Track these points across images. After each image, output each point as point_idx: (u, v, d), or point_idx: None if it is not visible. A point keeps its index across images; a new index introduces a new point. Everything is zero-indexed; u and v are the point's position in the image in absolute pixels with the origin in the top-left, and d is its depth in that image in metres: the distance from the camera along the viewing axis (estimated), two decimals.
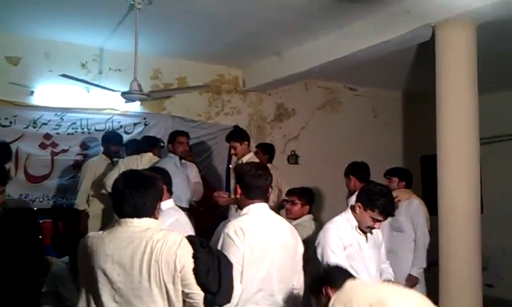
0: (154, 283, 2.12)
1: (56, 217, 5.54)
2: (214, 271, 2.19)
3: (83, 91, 5.78)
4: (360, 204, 3.20)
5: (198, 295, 2.17)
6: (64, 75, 4.77)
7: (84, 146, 5.84)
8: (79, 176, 5.40)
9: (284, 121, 7.43)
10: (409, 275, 4.67)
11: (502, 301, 6.80)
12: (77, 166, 5.69)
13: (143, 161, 4.97)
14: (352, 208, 3.26)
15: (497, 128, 7.29)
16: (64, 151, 5.75)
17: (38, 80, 5.66)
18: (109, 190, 4.78)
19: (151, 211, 2.27)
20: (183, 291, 2.17)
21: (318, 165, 7.18)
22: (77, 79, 4.87)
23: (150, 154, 5.10)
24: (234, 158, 5.53)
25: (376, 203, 3.11)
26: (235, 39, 5.67)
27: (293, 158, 7.41)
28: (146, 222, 2.23)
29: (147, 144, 5.28)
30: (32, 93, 5.63)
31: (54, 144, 5.70)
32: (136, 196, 2.22)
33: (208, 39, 5.68)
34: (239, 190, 2.73)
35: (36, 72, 5.65)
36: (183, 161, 5.19)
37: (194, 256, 2.17)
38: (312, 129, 7.55)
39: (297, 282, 2.82)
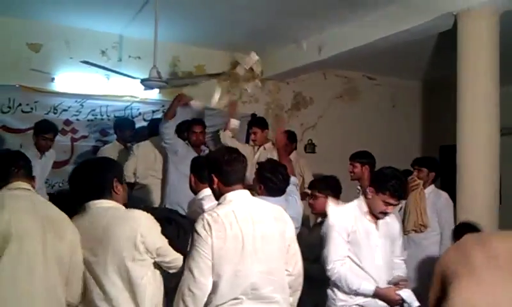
0: (112, 263, 2.31)
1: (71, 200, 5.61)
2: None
3: (103, 78, 5.84)
4: (372, 188, 3.14)
5: (177, 259, 2.45)
6: (84, 62, 4.83)
7: (103, 132, 5.91)
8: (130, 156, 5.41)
9: (302, 110, 7.41)
10: None
11: None
12: (96, 152, 5.76)
13: (156, 147, 5.15)
14: (366, 194, 3.19)
15: None
16: (84, 137, 5.84)
17: (58, 67, 5.73)
18: (129, 180, 4.89)
19: (108, 192, 2.44)
20: (161, 262, 2.42)
21: (335, 155, 7.14)
22: (97, 66, 4.92)
23: (158, 137, 5.11)
24: (254, 145, 5.51)
25: (387, 185, 3.04)
26: (254, 28, 5.66)
27: (310, 147, 7.40)
28: (108, 203, 2.42)
29: (156, 128, 5.20)
30: (53, 79, 5.70)
31: (74, 130, 5.78)
32: (91, 180, 2.44)
33: (226, 27, 5.68)
34: (215, 179, 2.52)
35: (56, 59, 5.72)
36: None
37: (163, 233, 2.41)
38: (329, 118, 7.52)
39: (292, 268, 2.56)
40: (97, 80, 5.81)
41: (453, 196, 4.47)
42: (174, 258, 2.46)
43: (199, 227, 2.35)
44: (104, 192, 2.43)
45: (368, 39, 5.25)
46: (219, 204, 2.51)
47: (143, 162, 5.18)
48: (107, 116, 5.93)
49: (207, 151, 5.24)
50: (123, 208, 2.46)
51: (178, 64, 6.41)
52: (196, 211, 3.12)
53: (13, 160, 2.50)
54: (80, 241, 2.36)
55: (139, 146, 5.25)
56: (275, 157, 5.01)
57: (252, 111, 6.81)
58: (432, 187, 4.75)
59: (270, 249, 2.46)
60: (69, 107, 5.74)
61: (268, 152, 5.30)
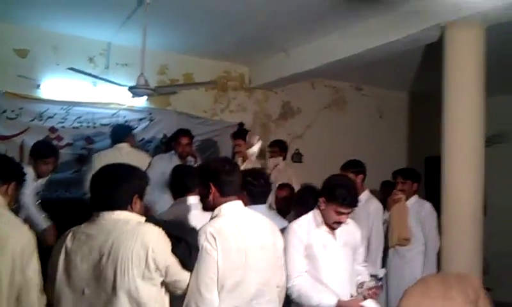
0: (120, 281, 2.09)
1: (59, 210, 5.54)
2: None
3: (89, 85, 5.80)
4: (323, 198, 3.04)
5: (186, 281, 2.28)
6: (71, 69, 4.79)
7: (89, 140, 5.85)
8: (83, 169, 5.38)
9: (289, 120, 7.43)
10: None
11: (502, 304, 6.78)
12: (81, 160, 5.71)
13: (124, 155, 4.66)
14: (318, 205, 3.09)
15: (502, 130, 7.27)
16: (69, 144, 5.77)
17: (45, 74, 5.68)
18: (86, 190, 4.60)
19: (124, 204, 2.24)
20: (169, 282, 2.23)
21: (322, 165, 7.11)
22: (84, 73, 4.88)
23: (126, 145, 4.90)
24: (237, 157, 5.52)
25: (336, 194, 2.95)
26: (243, 37, 5.67)
27: (297, 157, 7.41)
28: (119, 214, 2.21)
29: (121, 134, 5.00)
30: (38, 86, 5.65)
31: (59, 138, 5.72)
32: (107, 188, 2.24)
33: (215, 36, 5.68)
34: (212, 189, 2.48)
35: (43, 65, 5.67)
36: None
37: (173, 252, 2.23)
38: (316, 128, 7.55)
39: (279, 279, 2.64)
40: (84, 87, 5.77)
41: (438, 207, 4.49)
42: (183, 279, 2.29)
43: (203, 240, 2.34)
44: (121, 204, 2.24)
45: (355, 50, 5.28)
46: (215, 215, 2.49)
47: None
48: (93, 123, 5.88)
49: (192, 162, 5.20)
50: (135, 220, 2.25)
51: (166, 72, 6.39)
52: (180, 217, 3.10)
53: None
54: (78, 253, 2.17)
55: (100, 155, 4.91)
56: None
57: (240, 120, 6.80)
58: (415, 197, 4.75)
59: (266, 260, 2.52)
60: (55, 114, 5.69)
61: (254, 164, 5.30)
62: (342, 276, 3.05)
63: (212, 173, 2.52)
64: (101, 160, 4.66)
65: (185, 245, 2.29)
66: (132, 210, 2.25)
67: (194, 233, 2.44)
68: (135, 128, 5.90)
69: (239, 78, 7.02)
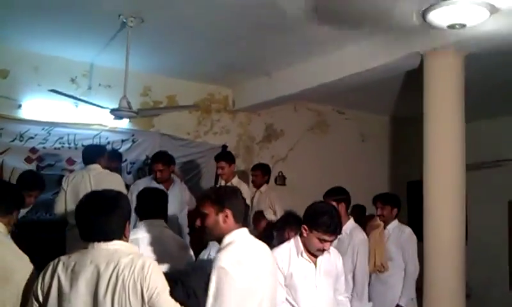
0: None
1: (40, 231, 5.44)
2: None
3: (71, 106, 5.75)
4: (305, 226, 3.00)
5: None
6: (53, 91, 4.76)
7: (70, 161, 5.78)
8: (59, 193, 5.16)
9: (272, 142, 7.44)
10: (398, 305, 4.52)
11: None
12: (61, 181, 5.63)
13: (92, 178, 4.53)
14: (301, 233, 3.04)
15: (482, 155, 7.37)
16: (50, 165, 5.69)
17: (26, 94, 5.62)
18: (57, 217, 4.62)
19: (119, 233, 2.17)
20: None
21: (305, 188, 7.16)
22: (65, 95, 4.86)
23: (97, 166, 4.70)
24: (221, 180, 5.51)
25: (319, 221, 2.92)
26: (226, 60, 5.70)
27: (280, 180, 7.40)
28: (114, 244, 2.14)
29: (92, 154, 4.81)
30: (19, 106, 5.58)
31: (40, 159, 5.64)
32: (101, 220, 2.14)
33: (199, 58, 5.70)
34: (229, 215, 2.41)
35: (24, 86, 5.61)
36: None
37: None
38: (300, 151, 7.57)
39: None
40: (65, 108, 5.72)
41: (420, 232, 4.51)
42: None
43: (228, 265, 2.26)
44: (115, 234, 2.16)
45: (337, 75, 5.35)
46: (229, 243, 2.39)
47: (72, 197, 4.51)
48: (75, 144, 5.81)
49: (179, 183, 5.16)
50: (131, 251, 2.17)
51: (149, 94, 6.38)
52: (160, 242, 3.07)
53: None
54: (73, 287, 2.08)
55: (68, 176, 4.78)
56: (244, 191, 4.98)
57: (223, 142, 6.80)
58: (395, 221, 4.75)
59: (274, 286, 2.53)
60: (36, 135, 5.61)
61: (236, 186, 5.27)
62: (323, 306, 3.02)
63: (230, 198, 2.46)
64: (69, 181, 4.65)
65: (182, 287, 2.22)
66: (125, 238, 2.19)
67: (189, 272, 2.38)
68: (114, 149, 5.83)
69: (223, 101, 7.03)
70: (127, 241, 2.23)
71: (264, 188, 5.76)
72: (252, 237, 2.53)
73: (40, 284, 2.17)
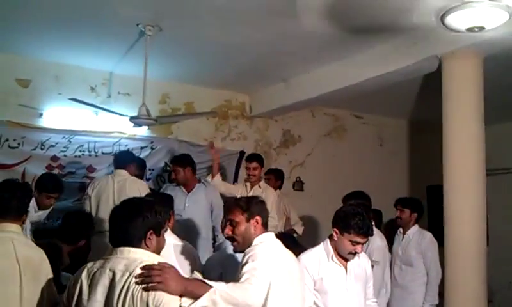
0: None
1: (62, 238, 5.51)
2: None
3: (91, 114, 5.83)
4: (336, 229, 3.02)
5: None
6: (73, 99, 4.84)
7: (90, 168, 5.86)
8: (84, 198, 5.34)
9: (290, 148, 7.44)
10: None
11: None
12: (82, 189, 5.69)
13: (116, 184, 4.58)
14: (331, 237, 3.08)
15: (505, 160, 7.28)
16: (70, 173, 5.77)
17: (47, 103, 5.72)
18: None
19: (139, 240, 2.16)
20: None
21: (323, 193, 7.16)
22: (85, 103, 4.93)
23: (125, 172, 4.72)
24: (247, 183, 5.44)
25: (351, 223, 2.94)
26: (243, 66, 5.73)
27: (298, 185, 7.40)
28: (135, 252, 2.14)
29: (122, 160, 4.86)
30: (41, 115, 5.68)
31: (61, 166, 5.72)
32: (123, 226, 2.18)
33: (216, 65, 5.74)
34: (259, 221, 2.53)
35: (45, 95, 5.71)
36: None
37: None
38: (317, 156, 7.56)
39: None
40: (85, 116, 5.80)
41: (441, 237, 4.47)
42: None
43: (259, 254, 2.38)
44: (133, 240, 2.16)
45: (354, 79, 5.33)
46: (257, 244, 2.48)
47: (95, 203, 4.63)
48: (95, 152, 5.89)
49: (207, 187, 5.13)
50: (146, 261, 2.12)
51: (167, 102, 6.44)
52: None
53: (5, 198, 2.54)
54: (92, 291, 2.11)
55: (94, 181, 4.88)
56: (269, 195, 4.98)
57: (241, 148, 6.83)
58: (416, 227, 4.72)
59: (299, 290, 2.60)
60: (56, 143, 5.70)
61: (263, 190, 5.25)
62: None
63: (261, 204, 2.62)
64: (94, 187, 4.72)
65: None
66: (147, 247, 2.17)
67: None
68: (140, 157, 5.88)
69: (240, 107, 7.06)
70: (152, 251, 2.19)
71: (276, 193, 5.68)
72: (279, 242, 2.60)
73: (67, 290, 2.22)
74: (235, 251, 2.59)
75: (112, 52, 5.35)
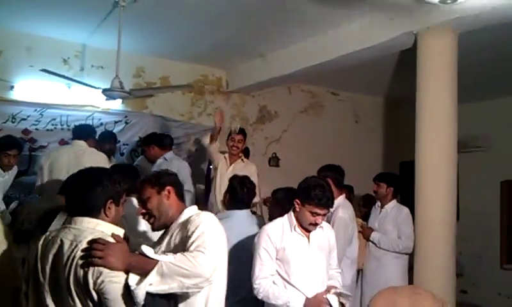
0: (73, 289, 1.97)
1: None
2: None
3: (64, 87, 5.72)
4: (297, 200, 3.04)
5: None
6: (45, 70, 4.73)
7: (62, 142, 5.75)
8: (38, 169, 5.00)
9: (266, 124, 7.44)
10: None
11: None
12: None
13: (73, 154, 4.42)
14: (294, 208, 3.09)
15: (476, 137, 7.41)
16: (42, 147, 5.65)
17: (18, 75, 5.59)
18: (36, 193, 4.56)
19: (97, 210, 2.12)
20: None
21: (299, 169, 7.08)
22: (58, 75, 4.83)
23: (83, 143, 4.59)
24: (226, 155, 5.34)
25: (311, 195, 2.95)
26: (220, 41, 5.67)
27: (274, 161, 7.43)
28: (90, 222, 2.10)
29: (81, 132, 4.73)
30: (12, 87, 5.56)
31: (33, 140, 5.61)
32: (79, 195, 2.13)
33: (192, 39, 5.67)
34: (172, 191, 2.47)
35: (16, 67, 5.58)
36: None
37: None
38: (293, 132, 7.58)
39: None
40: (58, 89, 5.69)
41: (412, 212, 4.55)
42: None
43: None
44: (92, 210, 2.12)
45: (331, 55, 5.33)
46: (198, 214, 2.44)
47: (47, 173, 4.45)
48: (68, 125, 5.76)
49: (169, 161, 5.13)
50: (100, 232, 2.09)
51: (142, 76, 6.35)
52: None
53: None
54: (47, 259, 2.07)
55: (48, 154, 4.69)
56: (252, 172, 4.94)
57: None
58: (394, 202, 4.80)
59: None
60: (28, 116, 5.58)
61: (245, 165, 5.20)
62: (314, 280, 3.06)
63: (170, 177, 2.59)
64: (47, 157, 4.55)
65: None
66: (106, 217, 2.14)
67: None
68: (110, 131, 5.84)
69: (216, 82, 7.01)
70: (110, 222, 2.15)
71: (245, 159, 5.45)
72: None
73: (29, 257, 2.20)
74: (153, 229, 2.50)
75: (85, 23, 5.24)
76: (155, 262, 2.02)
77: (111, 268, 1.95)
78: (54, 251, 2.07)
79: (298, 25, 5.14)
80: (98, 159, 4.37)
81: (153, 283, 1.99)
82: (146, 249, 2.08)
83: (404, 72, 5.84)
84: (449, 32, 4.37)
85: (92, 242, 1.99)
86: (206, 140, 5.37)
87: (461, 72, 4.45)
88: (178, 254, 2.12)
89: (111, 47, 5.01)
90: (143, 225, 2.99)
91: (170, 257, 2.08)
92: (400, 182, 4.99)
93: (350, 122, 8.11)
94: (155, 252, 2.15)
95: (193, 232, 2.24)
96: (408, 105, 5.00)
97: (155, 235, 2.64)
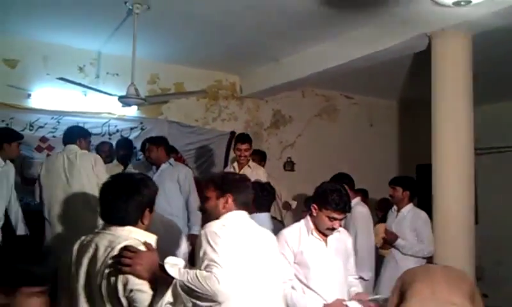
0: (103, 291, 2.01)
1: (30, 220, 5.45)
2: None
3: (80, 95, 5.79)
4: (314, 205, 3.05)
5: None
6: (61, 78, 4.79)
7: None
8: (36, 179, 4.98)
9: (281, 128, 7.45)
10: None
11: None
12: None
13: (66, 159, 4.38)
14: (311, 213, 3.10)
15: (494, 139, 7.33)
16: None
17: (35, 83, 5.67)
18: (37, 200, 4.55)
19: (134, 219, 2.14)
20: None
21: (313, 173, 7.14)
22: (74, 83, 4.88)
23: (75, 147, 4.50)
24: (234, 164, 5.39)
25: (328, 199, 2.96)
26: (233, 46, 5.69)
27: (289, 165, 7.42)
28: (123, 230, 2.11)
29: (71, 135, 4.61)
30: (29, 95, 5.64)
31: (50, 147, 5.68)
32: (118, 204, 2.13)
33: (206, 45, 5.70)
34: (230, 199, 2.52)
35: (33, 75, 5.66)
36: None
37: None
38: (308, 136, 7.57)
39: None
40: (74, 97, 5.76)
41: (430, 215, 4.51)
42: None
43: (214, 228, 2.39)
44: (131, 219, 2.13)
45: (345, 58, 5.32)
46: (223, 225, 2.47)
47: (44, 181, 4.47)
48: None
49: (174, 167, 5.09)
50: (138, 242, 2.10)
51: (157, 82, 6.40)
52: None
53: None
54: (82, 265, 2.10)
55: (43, 162, 4.64)
56: (261, 175, 4.97)
57: (231, 129, 6.81)
58: (410, 205, 4.73)
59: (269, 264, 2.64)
60: (45, 124, 5.66)
61: (253, 170, 5.22)
62: (333, 284, 3.04)
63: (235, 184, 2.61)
64: (43, 166, 4.55)
65: None
66: (142, 225, 2.16)
67: None
68: (127, 138, 5.89)
69: (230, 87, 7.03)
70: (144, 229, 2.17)
71: (251, 164, 5.39)
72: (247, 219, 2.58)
73: (64, 260, 2.20)
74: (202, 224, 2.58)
75: (100, 31, 5.30)
76: (170, 281, 2.04)
77: (137, 277, 1.98)
78: (89, 255, 2.09)
79: (311, 30, 5.13)
80: (92, 160, 4.41)
81: (171, 302, 2.02)
82: (169, 261, 2.08)
83: (417, 75, 5.81)
84: (463, 34, 4.35)
85: (123, 249, 2.01)
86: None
87: (476, 73, 4.42)
88: (192, 273, 2.12)
89: (125, 54, 5.06)
90: None
91: (185, 275, 2.09)
92: (417, 185, 4.93)
93: (364, 125, 8.07)
94: None
95: (206, 247, 2.27)
96: (423, 107, 4.97)
97: None
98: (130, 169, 5.07)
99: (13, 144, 4.49)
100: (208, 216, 2.53)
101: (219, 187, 2.53)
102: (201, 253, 2.28)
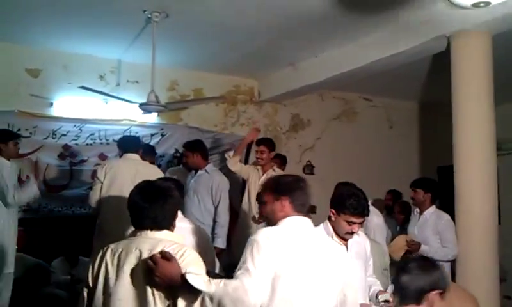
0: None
1: (74, 226, 5.58)
2: None
3: (101, 103, 5.87)
4: (332, 210, 3.03)
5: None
6: (82, 87, 4.87)
7: (102, 156, 5.92)
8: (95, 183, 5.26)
9: (299, 132, 7.44)
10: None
11: None
12: (94, 176, 5.75)
13: (133, 167, 4.28)
14: (329, 217, 3.07)
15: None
16: (82, 161, 5.84)
17: (57, 92, 5.78)
18: (91, 209, 4.40)
19: (169, 222, 2.22)
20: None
21: (333, 176, 7.08)
22: (95, 91, 4.96)
23: (137, 156, 4.50)
24: (258, 168, 5.33)
25: (346, 204, 2.94)
26: (251, 51, 5.72)
27: (308, 169, 7.41)
28: (160, 234, 2.18)
29: (131, 144, 4.62)
30: (51, 104, 5.74)
31: (73, 155, 5.79)
32: (154, 209, 2.19)
33: (224, 50, 5.74)
34: (286, 202, 2.39)
35: (55, 84, 5.77)
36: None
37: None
38: (327, 140, 7.55)
39: None
40: (96, 105, 5.84)
41: (452, 217, 4.47)
42: None
43: (258, 238, 2.28)
44: (163, 223, 2.20)
45: (363, 61, 5.30)
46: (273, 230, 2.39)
47: (108, 187, 4.28)
48: (106, 139, 5.95)
49: (209, 173, 5.12)
50: (176, 244, 2.18)
51: (176, 88, 6.46)
52: None
53: None
54: (119, 272, 2.15)
55: (104, 168, 4.36)
56: None
57: None
58: (433, 207, 4.69)
59: (327, 278, 2.57)
60: (68, 132, 5.77)
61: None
62: (356, 287, 2.95)
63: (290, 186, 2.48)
64: (106, 171, 4.31)
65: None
66: (172, 228, 2.22)
67: None
68: (149, 144, 5.96)
69: (249, 92, 7.06)
70: (173, 230, 2.25)
71: (276, 169, 5.38)
72: (310, 226, 2.44)
73: (90, 272, 2.23)
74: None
75: (120, 39, 5.38)
76: (197, 294, 2.04)
77: (156, 285, 2.05)
78: (132, 260, 2.13)
79: (329, 33, 5.14)
80: (157, 173, 4.28)
81: None
82: (192, 271, 2.08)
83: (437, 76, 5.76)
84: (483, 34, 4.30)
85: (157, 256, 2.07)
86: (230, 153, 5.45)
87: (497, 73, 4.37)
88: (223, 283, 2.10)
89: (145, 61, 5.14)
90: None
91: (212, 286, 2.07)
92: (438, 187, 4.89)
93: (384, 128, 8.02)
94: None
95: (247, 254, 2.21)
96: (443, 108, 4.93)
97: None
98: (167, 175, 5.06)
99: (9, 143, 4.54)
100: (269, 222, 2.44)
101: (274, 190, 2.43)
102: (242, 258, 2.23)
